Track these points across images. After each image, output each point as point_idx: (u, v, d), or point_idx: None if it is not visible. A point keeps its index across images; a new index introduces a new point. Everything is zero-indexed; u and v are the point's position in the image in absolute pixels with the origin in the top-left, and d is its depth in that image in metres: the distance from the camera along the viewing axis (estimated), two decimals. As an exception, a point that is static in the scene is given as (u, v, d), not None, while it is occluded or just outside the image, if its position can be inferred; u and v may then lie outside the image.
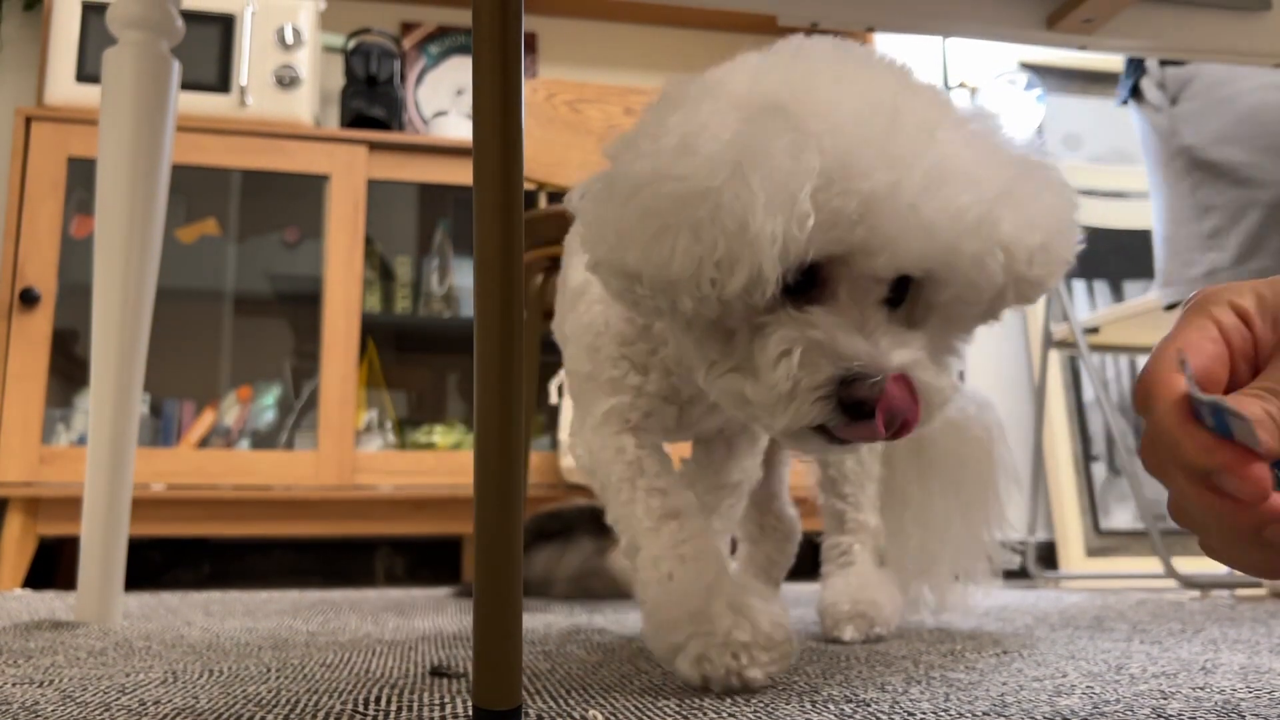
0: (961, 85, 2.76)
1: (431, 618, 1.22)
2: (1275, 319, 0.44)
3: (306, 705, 0.64)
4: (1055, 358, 2.73)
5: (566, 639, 1.00)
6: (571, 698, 0.67)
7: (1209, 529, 0.43)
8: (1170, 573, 1.88)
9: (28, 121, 2.13)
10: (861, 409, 0.57)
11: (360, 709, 0.62)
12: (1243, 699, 0.64)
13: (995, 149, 0.64)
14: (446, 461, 2.26)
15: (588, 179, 0.66)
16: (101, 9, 1.68)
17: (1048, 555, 2.61)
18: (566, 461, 2.23)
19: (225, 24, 2.30)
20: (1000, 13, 1.17)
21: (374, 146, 2.31)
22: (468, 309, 2.48)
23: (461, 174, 2.33)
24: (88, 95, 2.16)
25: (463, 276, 2.51)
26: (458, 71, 2.75)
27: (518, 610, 0.58)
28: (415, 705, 0.64)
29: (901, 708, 0.62)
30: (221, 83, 2.29)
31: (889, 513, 1.10)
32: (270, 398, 2.36)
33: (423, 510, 2.20)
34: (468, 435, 2.36)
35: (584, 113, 1.72)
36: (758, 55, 0.67)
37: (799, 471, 1.20)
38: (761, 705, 0.63)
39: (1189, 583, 1.84)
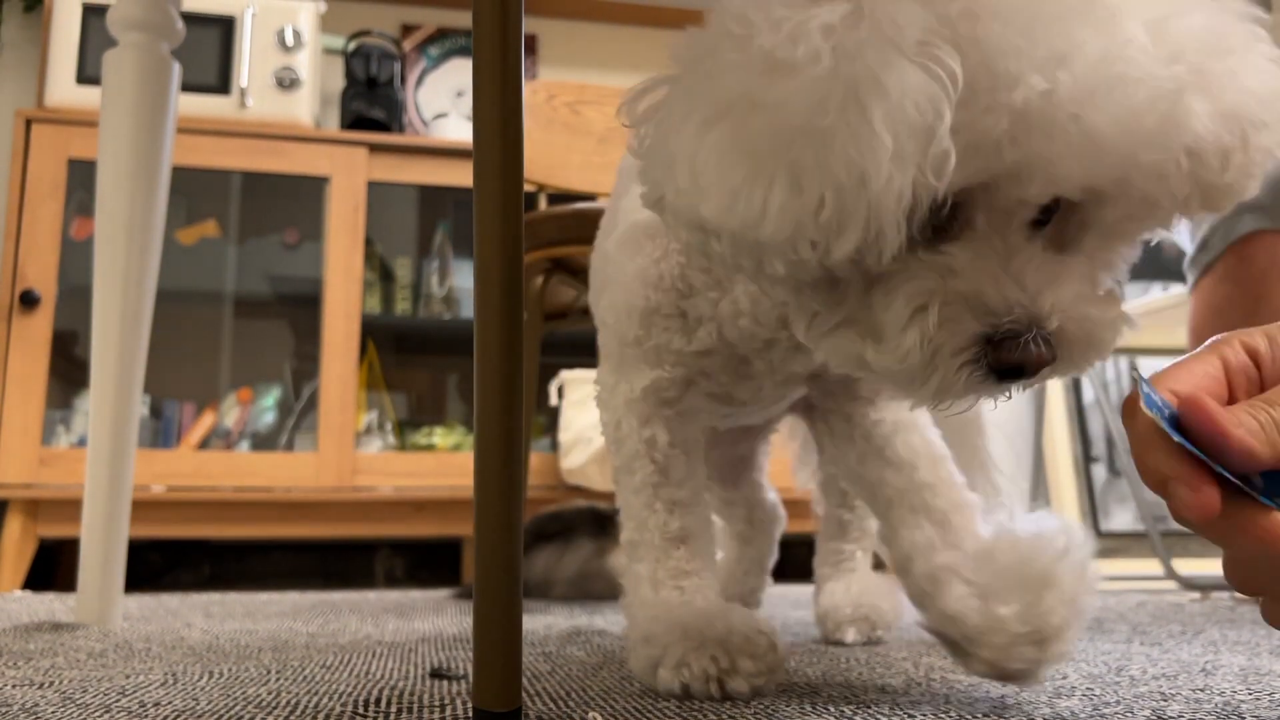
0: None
1: (431, 619, 1.22)
2: None
3: (306, 707, 0.63)
4: (1055, 359, 2.73)
5: (566, 640, 1.00)
6: (571, 699, 0.67)
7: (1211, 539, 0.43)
8: (1170, 574, 1.88)
9: (28, 123, 2.13)
10: (1017, 372, 0.48)
11: (360, 711, 0.62)
12: (1243, 701, 0.64)
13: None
14: (446, 463, 2.26)
15: (647, 81, 0.53)
16: (102, 11, 1.67)
17: (1048, 557, 2.60)
18: (566, 463, 2.23)
19: (225, 26, 2.31)
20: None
21: (374, 148, 2.31)
22: (468, 310, 2.48)
23: (462, 175, 2.33)
24: (88, 97, 2.16)
25: (463, 278, 2.51)
26: (458, 73, 2.75)
27: (518, 612, 0.58)
28: (415, 707, 0.64)
29: (902, 709, 0.62)
30: (222, 84, 2.29)
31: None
32: (270, 399, 2.36)
33: (423, 512, 2.20)
34: (468, 437, 2.36)
35: (584, 114, 1.72)
36: None
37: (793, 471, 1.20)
38: (761, 707, 0.63)
39: (1189, 584, 1.84)
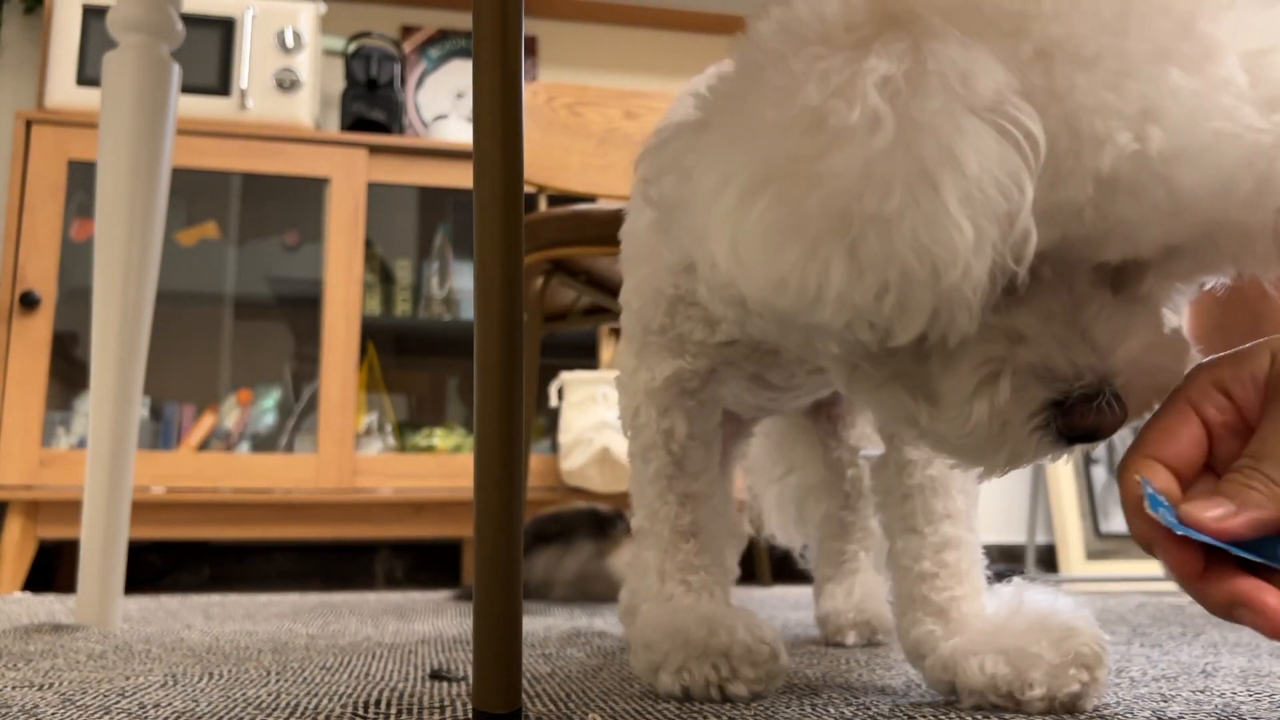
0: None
1: (431, 621, 1.22)
2: (1255, 381, 0.44)
3: (306, 708, 0.63)
4: (1055, 360, 2.73)
5: (566, 642, 1.00)
6: (571, 701, 0.67)
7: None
8: (1171, 576, 1.87)
9: (28, 125, 2.13)
10: (1090, 435, 0.45)
11: (360, 712, 0.62)
12: (1243, 702, 0.64)
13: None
14: (446, 464, 2.26)
15: (670, 128, 0.47)
16: (102, 12, 1.67)
17: (1048, 558, 2.61)
18: (566, 464, 2.23)
19: (226, 27, 2.31)
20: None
21: (374, 150, 2.31)
22: (468, 312, 2.48)
23: (462, 177, 2.33)
24: (88, 98, 2.16)
25: (463, 279, 2.51)
26: (458, 75, 2.75)
27: (518, 613, 0.58)
28: (415, 708, 0.64)
29: (902, 710, 0.62)
30: (222, 86, 2.29)
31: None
32: (270, 401, 2.36)
33: (422, 513, 2.20)
34: (468, 438, 2.36)
35: (584, 116, 1.72)
36: None
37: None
38: (761, 708, 0.63)
39: (1189, 586, 1.84)
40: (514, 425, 0.57)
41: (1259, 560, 0.42)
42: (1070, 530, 2.63)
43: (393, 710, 0.63)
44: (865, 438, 1.01)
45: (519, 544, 0.58)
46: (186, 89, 1.90)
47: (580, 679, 0.76)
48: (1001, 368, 0.44)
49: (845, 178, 0.39)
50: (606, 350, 2.45)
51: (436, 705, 0.65)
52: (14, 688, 0.71)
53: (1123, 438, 0.52)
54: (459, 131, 2.52)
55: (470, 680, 0.74)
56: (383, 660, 0.86)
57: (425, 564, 2.51)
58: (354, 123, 2.44)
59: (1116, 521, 2.68)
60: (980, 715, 0.60)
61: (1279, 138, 0.40)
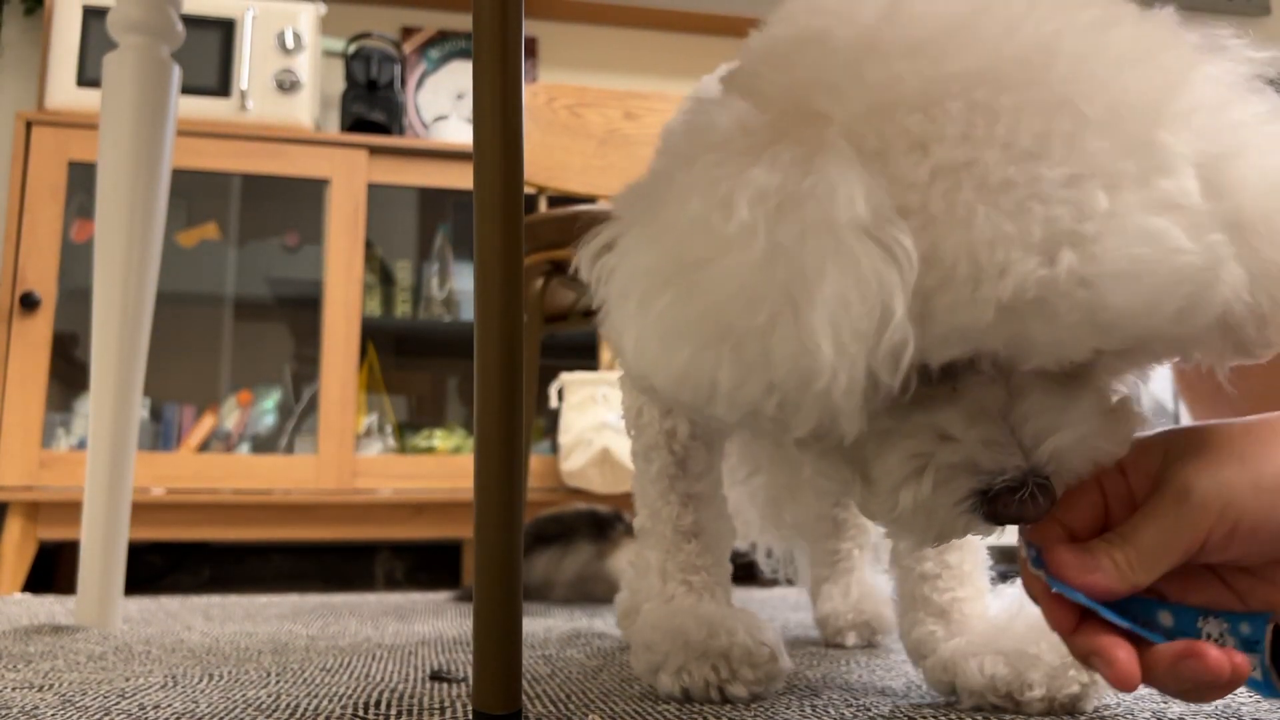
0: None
1: (431, 622, 1.22)
2: (1148, 472, 0.47)
3: (306, 709, 0.63)
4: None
5: (566, 643, 1.00)
6: (571, 702, 0.67)
7: None
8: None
9: (28, 126, 2.13)
10: (1011, 520, 0.46)
11: (360, 713, 0.62)
12: (1243, 703, 0.64)
13: (1234, 114, 0.42)
14: (446, 465, 2.26)
15: (603, 231, 0.50)
16: (102, 13, 1.67)
17: (1048, 559, 2.60)
18: (566, 465, 2.23)
19: (226, 28, 2.31)
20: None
21: (374, 151, 2.31)
22: (468, 313, 2.48)
23: (462, 178, 2.33)
24: (88, 99, 2.16)
25: (463, 280, 2.51)
26: (458, 76, 2.75)
27: (518, 614, 0.58)
28: (415, 710, 0.64)
29: (902, 711, 0.62)
30: (222, 87, 2.29)
31: None
32: (270, 402, 2.36)
33: (422, 514, 2.20)
34: (468, 439, 2.36)
35: (584, 117, 1.72)
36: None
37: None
38: (761, 709, 0.63)
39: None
40: (514, 426, 0.57)
41: (1123, 624, 0.46)
42: (1070, 531, 2.63)
43: (393, 711, 0.63)
44: None
45: (519, 545, 0.58)
46: (186, 90, 1.89)
47: (580, 680, 0.76)
48: (927, 463, 0.45)
49: (723, 288, 0.41)
50: (606, 351, 2.45)
51: (436, 706, 0.65)
52: (14, 689, 0.71)
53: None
54: (459, 132, 2.52)
55: (470, 681, 0.74)
56: (383, 661, 0.86)
57: (425, 565, 2.51)
58: (354, 124, 2.44)
59: (1117, 522, 2.68)
60: (980, 716, 0.60)
61: (1211, 259, 0.39)
